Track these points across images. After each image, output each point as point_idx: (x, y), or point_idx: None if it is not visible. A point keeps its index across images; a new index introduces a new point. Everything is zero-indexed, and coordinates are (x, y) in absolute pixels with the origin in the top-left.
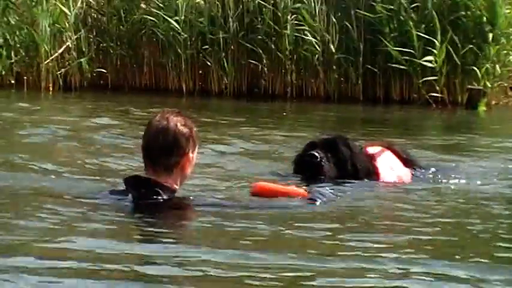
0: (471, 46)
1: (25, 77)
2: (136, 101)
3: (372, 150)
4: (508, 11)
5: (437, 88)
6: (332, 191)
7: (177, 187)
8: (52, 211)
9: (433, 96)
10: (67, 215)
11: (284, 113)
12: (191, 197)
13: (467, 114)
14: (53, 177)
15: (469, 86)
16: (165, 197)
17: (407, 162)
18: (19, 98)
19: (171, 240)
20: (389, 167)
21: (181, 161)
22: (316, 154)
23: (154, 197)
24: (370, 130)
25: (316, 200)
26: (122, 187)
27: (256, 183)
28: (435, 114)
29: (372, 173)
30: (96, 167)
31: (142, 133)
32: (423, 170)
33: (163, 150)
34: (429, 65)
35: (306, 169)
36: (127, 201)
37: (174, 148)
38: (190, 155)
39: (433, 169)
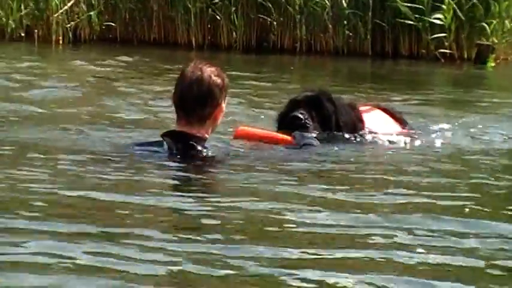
0: (477, 1)
1: (35, 30)
2: (147, 54)
3: (361, 109)
4: None
5: (446, 44)
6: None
7: (207, 136)
8: (85, 164)
9: (442, 51)
10: (101, 168)
11: (291, 67)
12: (226, 155)
13: (476, 70)
14: (78, 130)
15: (478, 42)
16: (199, 148)
17: (400, 120)
18: (29, 50)
19: (205, 195)
20: (379, 122)
21: (215, 111)
22: (300, 116)
23: (191, 150)
24: (379, 85)
25: (312, 144)
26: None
27: (238, 128)
28: (444, 69)
29: (357, 127)
30: (117, 120)
31: (174, 84)
32: (415, 128)
33: (198, 101)
34: (438, 22)
35: (290, 130)
36: (163, 153)
37: (208, 99)
38: (223, 105)
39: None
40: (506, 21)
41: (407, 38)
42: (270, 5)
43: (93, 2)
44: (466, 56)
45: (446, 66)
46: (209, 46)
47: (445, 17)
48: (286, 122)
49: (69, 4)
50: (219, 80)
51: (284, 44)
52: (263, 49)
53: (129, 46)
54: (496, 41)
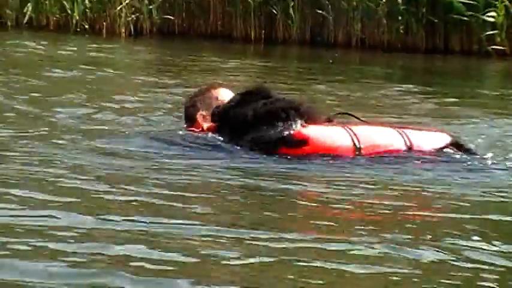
0: None
1: (103, 23)
2: (206, 47)
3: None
4: None
5: (499, 39)
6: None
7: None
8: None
9: (494, 48)
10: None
11: (330, 61)
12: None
13: None
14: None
15: None
16: None
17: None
18: (95, 42)
19: None
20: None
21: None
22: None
23: None
24: (432, 79)
25: None
26: None
27: None
28: (497, 64)
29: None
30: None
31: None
32: None
33: None
34: (491, 20)
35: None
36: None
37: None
38: (202, 112)
39: None
40: None
41: (458, 34)
42: (326, 1)
43: None
44: None
45: (499, 62)
46: (265, 40)
47: (498, 15)
48: None
49: None
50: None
51: (338, 38)
52: (317, 43)
53: (187, 39)
54: None
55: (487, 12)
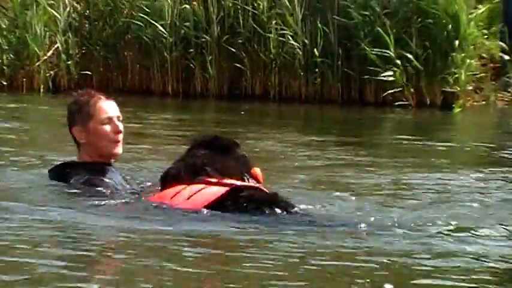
0: (432, 52)
1: (22, 79)
2: (124, 102)
3: None
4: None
5: (406, 93)
6: None
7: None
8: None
9: (406, 101)
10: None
11: (242, 112)
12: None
13: (441, 116)
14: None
15: (443, 89)
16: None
17: None
18: (11, 98)
19: None
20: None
21: (73, 134)
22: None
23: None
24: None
25: None
26: None
27: None
28: (408, 116)
29: None
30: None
31: None
32: None
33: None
34: (390, 79)
35: None
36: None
37: (67, 122)
38: (75, 126)
39: None
40: (463, 71)
41: (373, 86)
42: (243, 54)
43: (70, 51)
44: (435, 102)
45: (411, 113)
46: (184, 93)
47: (395, 74)
48: None
49: (48, 54)
50: (71, 106)
51: (255, 91)
52: (235, 96)
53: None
54: (458, 88)
55: (387, 70)
